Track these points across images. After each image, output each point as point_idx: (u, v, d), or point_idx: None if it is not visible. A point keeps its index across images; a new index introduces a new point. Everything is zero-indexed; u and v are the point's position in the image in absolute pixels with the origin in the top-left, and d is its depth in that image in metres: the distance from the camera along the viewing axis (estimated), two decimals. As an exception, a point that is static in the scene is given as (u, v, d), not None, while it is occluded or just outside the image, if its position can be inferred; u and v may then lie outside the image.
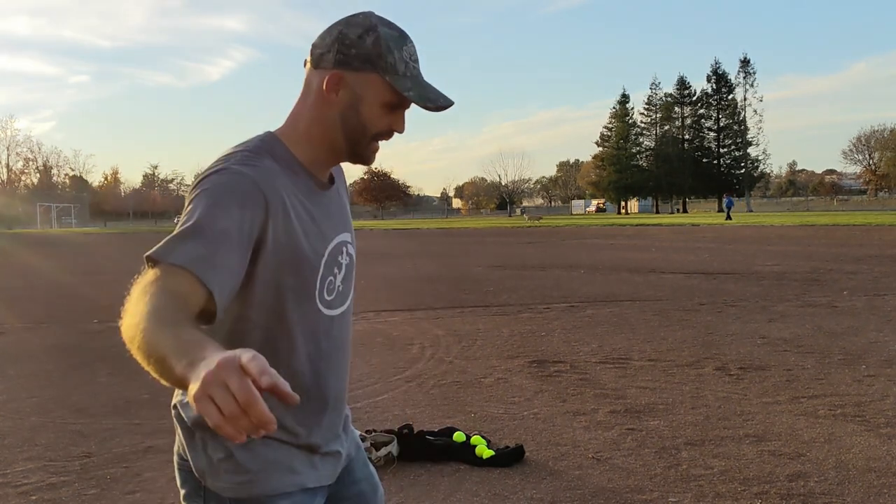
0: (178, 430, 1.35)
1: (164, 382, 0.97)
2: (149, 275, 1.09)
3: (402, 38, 1.30)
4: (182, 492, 1.34)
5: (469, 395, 5.10)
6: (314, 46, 1.32)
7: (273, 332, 1.30)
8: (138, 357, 1.00)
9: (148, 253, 1.11)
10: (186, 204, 1.20)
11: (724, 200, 49.37)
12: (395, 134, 1.34)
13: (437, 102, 1.29)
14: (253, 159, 1.25)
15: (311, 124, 1.33)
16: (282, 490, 1.32)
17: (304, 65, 1.34)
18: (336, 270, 1.38)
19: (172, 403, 1.37)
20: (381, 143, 1.37)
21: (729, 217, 44.51)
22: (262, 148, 1.29)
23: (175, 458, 1.36)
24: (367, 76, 1.27)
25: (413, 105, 1.33)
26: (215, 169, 1.22)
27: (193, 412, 1.29)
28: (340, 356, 1.42)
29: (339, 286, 1.39)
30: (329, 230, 1.36)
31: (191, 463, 1.31)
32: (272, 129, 1.36)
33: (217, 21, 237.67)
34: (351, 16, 1.32)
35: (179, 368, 0.89)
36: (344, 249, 1.41)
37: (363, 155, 1.35)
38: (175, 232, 1.14)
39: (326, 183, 1.40)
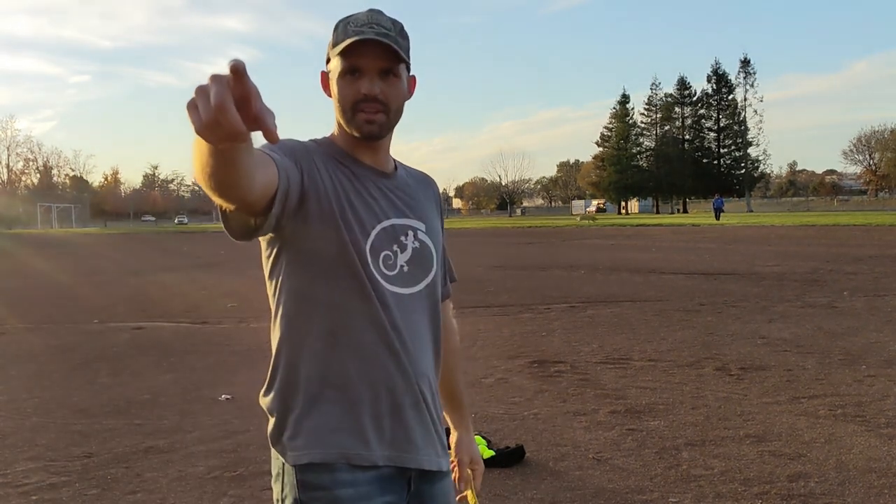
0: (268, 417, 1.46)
1: (218, 176, 1.05)
2: None
3: (357, 14, 1.40)
4: (273, 473, 1.44)
5: (469, 395, 5.09)
6: None
7: (333, 292, 1.38)
8: (204, 179, 1.07)
9: None
10: None
11: (714, 201, 49.31)
12: (376, 97, 1.37)
13: (348, 36, 1.35)
14: (308, 141, 1.45)
15: (336, 120, 1.47)
16: (345, 460, 1.36)
17: None
18: (396, 247, 1.44)
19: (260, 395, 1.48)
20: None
21: (718, 217, 44.59)
22: (310, 140, 1.47)
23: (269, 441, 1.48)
24: (334, 61, 1.41)
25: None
26: None
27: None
28: (406, 336, 1.43)
29: (402, 265, 1.44)
30: (386, 208, 1.45)
31: (268, 435, 1.43)
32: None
33: (218, 21, 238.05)
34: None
35: None
36: (411, 233, 1.47)
37: (354, 128, 1.41)
38: None
39: (385, 172, 1.49)
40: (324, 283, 1.38)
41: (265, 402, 1.46)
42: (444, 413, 1.70)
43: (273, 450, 1.43)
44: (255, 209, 1.24)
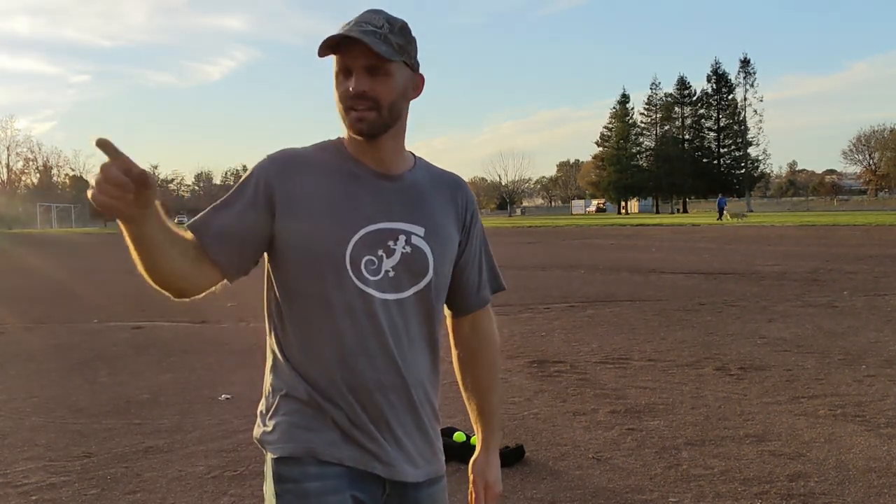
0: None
1: (146, 264, 1.28)
2: None
3: (359, 14, 1.40)
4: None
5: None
6: None
7: (311, 299, 1.39)
8: (143, 273, 1.30)
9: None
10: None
11: (719, 200, 49.54)
12: (364, 93, 1.36)
13: (337, 36, 1.35)
14: (292, 148, 1.47)
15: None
16: (312, 455, 1.38)
17: None
18: (381, 252, 1.40)
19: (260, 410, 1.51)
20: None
21: (721, 217, 44.61)
22: (317, 144, 1.49)
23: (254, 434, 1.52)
24: (334, 60, 1.40)
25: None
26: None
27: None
28: (390, 342, 1.41)
29: (387, 270, 1.40)
30: (375, 212, 1.41)
31: (255, 431, 1.48)
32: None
33: (218, 20, 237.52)
34: None
35: None
36: (402, 238, 1.42)
37: (348, 126, 1.40)
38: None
39: (388, 174, 1.45)
40: (304, 288, 1.39)
41: (262, 392, 1.52)
42: (475, 429, 1.67)
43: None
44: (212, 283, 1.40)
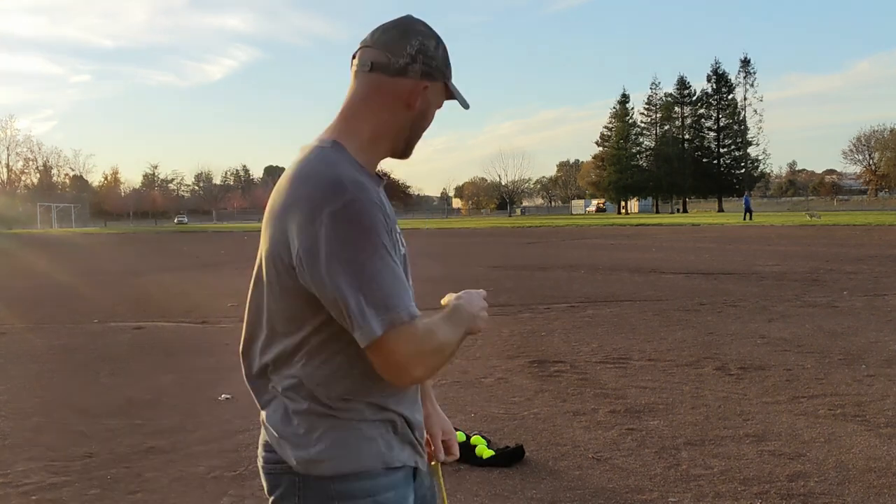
0: (271, 431, 1.35)
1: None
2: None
3: (443, 43, 1.43)
4: (274, 495, 1.34)
5: (469, 395, 5.10)
6: (390, 52, 1.34)
7: None
8: (446, 362, 1.32)
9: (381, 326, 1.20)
10: (322, 235, 1.21)
11: (744, 199, 48.21)
12: None
13: (467, 102, 1.46)
14: (353, 176, 1.28)
15: (379, 129, 1.36)
16: (383, 465, 1.32)
17: (365, 68, 1.36)
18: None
19: (263, 420, 1.39)
20: None
21: (748, 216, 43.15)
22: (339, 159, 1.31)
23: (261, 463, 1.38)
24: (439, 85, 1.40)
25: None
26: (342, 203, 1.22)
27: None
28: None
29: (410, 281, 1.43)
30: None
31: (289, 455, 1.31)
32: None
33: (219, 20, 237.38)
34: (416, 22, 1.39)
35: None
36: (401, 238, 1.42)
37: (407, 150, 1.43)
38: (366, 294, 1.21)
39: (379, 180, 1.40)
40: None
41: (281, 417, 1.35)
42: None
43: (279, 465, 1.33)
44: None
